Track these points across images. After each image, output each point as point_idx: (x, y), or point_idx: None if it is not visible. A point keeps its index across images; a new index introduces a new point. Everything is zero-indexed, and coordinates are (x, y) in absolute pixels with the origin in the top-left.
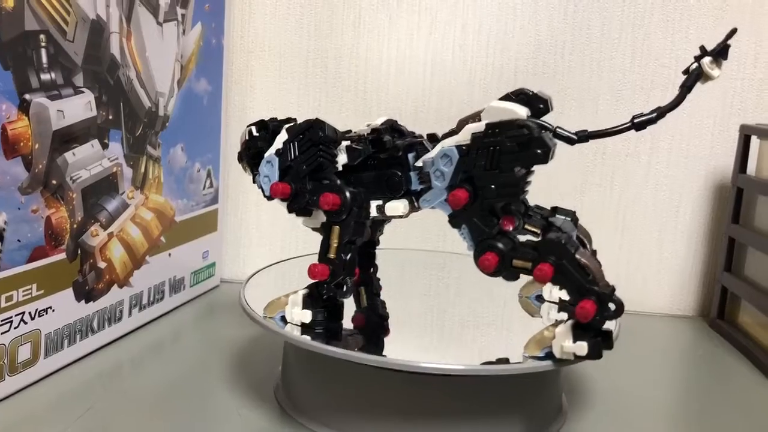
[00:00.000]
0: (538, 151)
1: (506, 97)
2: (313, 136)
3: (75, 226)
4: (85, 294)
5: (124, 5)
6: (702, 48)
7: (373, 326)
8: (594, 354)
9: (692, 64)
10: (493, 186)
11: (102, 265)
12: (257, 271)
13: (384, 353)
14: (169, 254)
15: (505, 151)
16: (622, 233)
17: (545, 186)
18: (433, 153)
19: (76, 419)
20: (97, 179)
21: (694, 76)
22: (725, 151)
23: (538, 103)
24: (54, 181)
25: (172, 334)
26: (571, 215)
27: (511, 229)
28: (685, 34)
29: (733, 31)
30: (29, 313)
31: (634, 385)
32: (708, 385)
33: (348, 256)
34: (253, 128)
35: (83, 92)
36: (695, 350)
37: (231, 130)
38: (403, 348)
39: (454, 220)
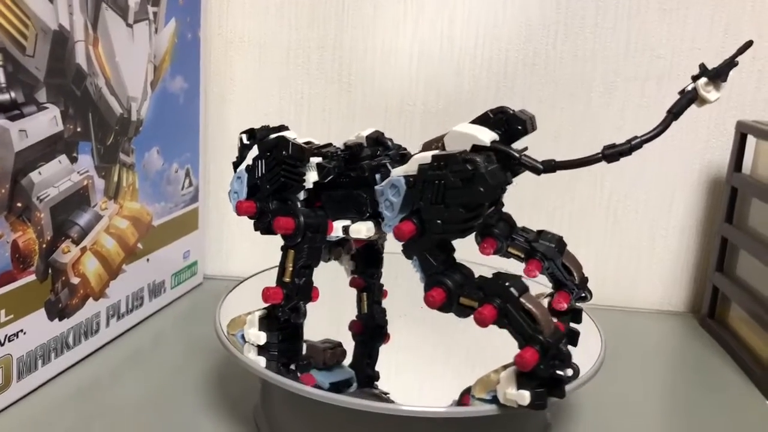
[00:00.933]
0: (481, 189)
1: (484, 116)
2: (277, 155)
3: (44, 245)
4: (59, 312)
5: (89, 10)
6: (702, 66)
7: (371, 333)
8: (536, 405)
9: (689, 84)
10: (438, 221)
11: (75, 280)
12: (237, 284)
13: (372, 367)
14: (147, 259)
15: (449, 186)
16: (613, 228)
17: (535, 180)
18: (384, 182)
19: None
20: (67, 195)
21: (685, 101)
22: (721, 144)
23: (516, 124)
24: (19, 204)
25: (151, 342)
26: (557, 241)
27: (491, 252)
28: (683, 24)
29: (748, 44)
30: None
31: (620, 392)
32: (694, 390)
33: (302, 281)
34: (244, 136)
35: (47, 108)
36: (685, 351)
37: (210, 125)
38: (387, 363)
39: (406, 251)
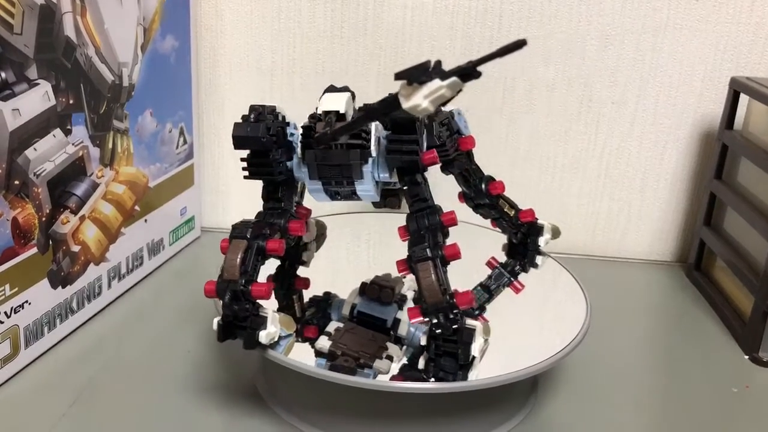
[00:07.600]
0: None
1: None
2: None
3: (43, 219)
4: (61, 280)
5: None
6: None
7: None
8: (244, 344)
9: None
10: None
11: (76, 248)
12: None
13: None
14: (145, 220)
15: None
16: (605, 180)
17: (530, 131)
18: None
19: (68, 407)
20: (63, 167)
21: (381, 104)
22: (714, 98)
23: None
24: (16, 182)
25: (153, 299)
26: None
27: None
28: None
29: (481, 61)
30: (5, 312)
31: (604, 344)
32: (675, 342)
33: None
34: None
35: (38, 84)
36: (669, 302)
37: (203, 81)
38: None
39: None
